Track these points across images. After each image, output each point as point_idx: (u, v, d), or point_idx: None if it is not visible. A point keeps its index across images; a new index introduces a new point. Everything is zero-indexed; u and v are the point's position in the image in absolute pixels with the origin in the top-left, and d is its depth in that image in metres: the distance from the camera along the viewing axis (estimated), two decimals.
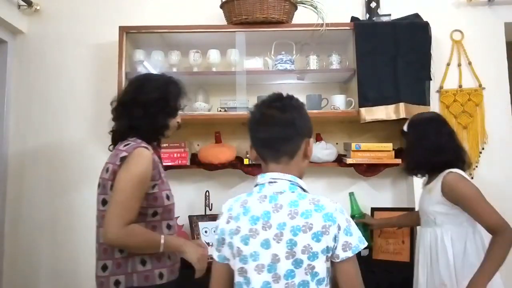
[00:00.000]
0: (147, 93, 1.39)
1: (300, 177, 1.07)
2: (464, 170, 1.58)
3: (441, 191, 1.52)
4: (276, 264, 0.96)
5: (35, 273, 2.20)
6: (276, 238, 0.97)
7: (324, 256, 0.96)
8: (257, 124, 1.08)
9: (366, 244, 1.00)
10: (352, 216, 2.11)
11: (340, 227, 0.98)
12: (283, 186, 1.02)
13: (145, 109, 1.38)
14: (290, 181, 1.03)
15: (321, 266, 0.96)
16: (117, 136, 1.43)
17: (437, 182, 1.56)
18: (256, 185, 1.07)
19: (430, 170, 1.62)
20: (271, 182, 1.04)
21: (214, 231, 1.30)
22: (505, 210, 2.23)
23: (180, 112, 1.50)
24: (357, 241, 0.98)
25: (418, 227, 1.76)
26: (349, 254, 0.97)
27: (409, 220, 1.95)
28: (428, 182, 1.66)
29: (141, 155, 1.31)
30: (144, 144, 1.35)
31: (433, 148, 1.56)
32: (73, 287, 2.18)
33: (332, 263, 0.99)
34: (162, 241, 1.31)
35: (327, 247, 0.96)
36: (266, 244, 0.98)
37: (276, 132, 1.04)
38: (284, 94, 1.11)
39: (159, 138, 1.50)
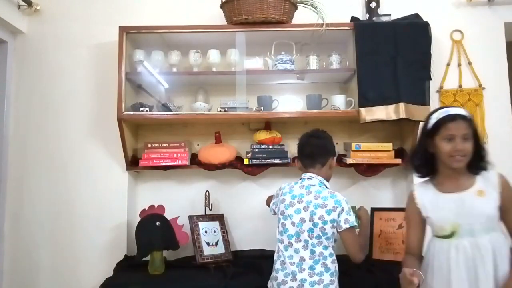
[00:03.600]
0: None
1: (327, 180, 1.74)
2: None
3: (500, 193, 1.39)
4: (302, 224, 1.61)
5: (35, 273, 2.20)
6: (304, 209, 1.63)
7: (331, 224, 1.59)
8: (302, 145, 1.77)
9: (357, 224, 1.66)
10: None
11: (344, 209, 1.60)
12: (315, 182, 1.69)
13: None
14: (319, 180, 1.70)
15: (329, 230, 1.59)
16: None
17: (487, 183, 1.43)
18: (300, 179, 1.73)
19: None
20: (309, 178, 1.70)
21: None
22: None
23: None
24: (354, 220, 1.62)
25: (440, 240, 1.45)
26: (348, 225, 1.59)
27: None
28: (454, 186, 1.45)
29: None
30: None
31: (483, 146, 1.49)
32: (73, 286, 2.19)
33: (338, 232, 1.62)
34: None
35: (333, 219, 1.59)
36: (297, 211, 1.64)
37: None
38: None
39: None
